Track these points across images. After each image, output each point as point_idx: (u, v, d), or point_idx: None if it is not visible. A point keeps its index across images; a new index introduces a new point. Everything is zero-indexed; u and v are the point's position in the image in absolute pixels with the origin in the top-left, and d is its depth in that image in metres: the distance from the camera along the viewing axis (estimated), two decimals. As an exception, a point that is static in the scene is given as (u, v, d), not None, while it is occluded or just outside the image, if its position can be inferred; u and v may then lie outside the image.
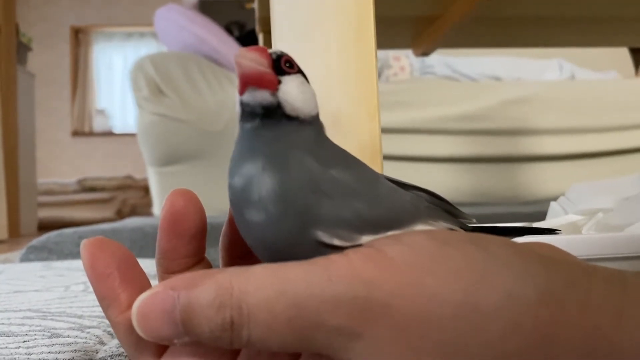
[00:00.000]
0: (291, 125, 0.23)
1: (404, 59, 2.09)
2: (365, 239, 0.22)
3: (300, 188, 0.21)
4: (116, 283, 0.22)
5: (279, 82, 0.23)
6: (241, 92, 0.23)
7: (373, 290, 0.19)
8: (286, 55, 0.23)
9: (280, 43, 0.35)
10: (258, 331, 0.19)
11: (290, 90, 0.23)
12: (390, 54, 2.09)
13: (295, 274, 0.20)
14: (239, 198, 0.22)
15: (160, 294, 0.20)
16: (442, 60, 2.08)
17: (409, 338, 0.19)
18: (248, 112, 0.23)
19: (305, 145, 0.23)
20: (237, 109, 0.23)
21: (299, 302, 0.19)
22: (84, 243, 0.23)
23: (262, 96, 0.22)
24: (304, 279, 0.19)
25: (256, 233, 0.22)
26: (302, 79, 0.24)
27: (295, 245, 0.21)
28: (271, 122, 0.22)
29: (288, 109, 0.23)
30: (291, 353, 0.22)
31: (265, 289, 0.19)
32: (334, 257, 0.20)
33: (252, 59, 0.22)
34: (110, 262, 0.22)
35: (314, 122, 0.24)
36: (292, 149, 0.22)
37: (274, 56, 0.23)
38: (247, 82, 0.22)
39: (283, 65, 0.23)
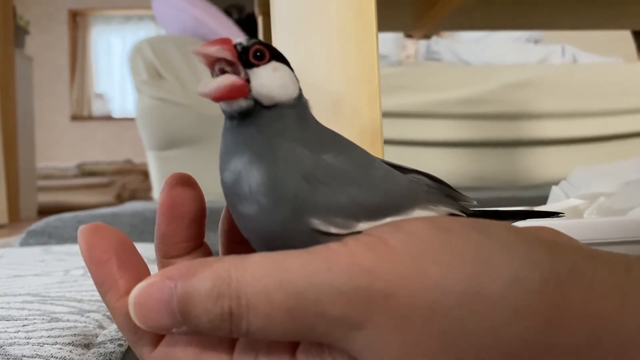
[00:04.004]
0: (272, 113, 0.22)
1: (410, 46, 2.07)
2: (363, 225, 0.22)
3: (290, 177, 0.21)
4: (114, 269, 0.22)
5: (249, 81, 0.22)
6: (216, 102, 0.22)
7: (374, 280, 0.19)
8: (256, 45, 0.22)
9: (280, 25, 0.35)
10: (257, 321, 0.19)
11: (263, 83, 0.22)
12: (391, 46, 2.07)
13: (295, 263, 0.19)
14: (231, 193, 0.22)
15: (157, 284, 0.20)
16: (446, 45, 2.06)
17: (411, 327, 0.19)
18: (229, 116, 0.23)
19: (289, 131, 0.22)
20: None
21: (299, 292, 0.19)
22: (80, 229, 0.22)
23: (237, 104, 0.22)
24: (304, 269, 0.19)
25: (251, 225, 0.22)
26: (275, 64, 0.23)
27: (291, 234, 0.21)
28: (253, 116, 0.22)
29: (265, 102, 0.22)
30: (290, 341, 0.22)
31: (264, 279, 0.19)
32: (334, 246, 0.20)
33: (215, 52, 0.21)
34: (107, 248, 0.22)
35: (296, 105, 0.23)
36: (276, 138, 0.22)
37: (239, 48, 0.22)
38: (218, 100, 0.22)
39: (252, 58, 0.22)
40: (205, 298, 0.19)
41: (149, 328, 0.20)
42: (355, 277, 0.19)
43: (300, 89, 0.24)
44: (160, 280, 0.20)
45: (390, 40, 1.90)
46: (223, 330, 0.20)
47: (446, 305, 0.19)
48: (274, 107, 0.22)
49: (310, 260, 0.19)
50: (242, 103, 0.22)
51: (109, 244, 0.22)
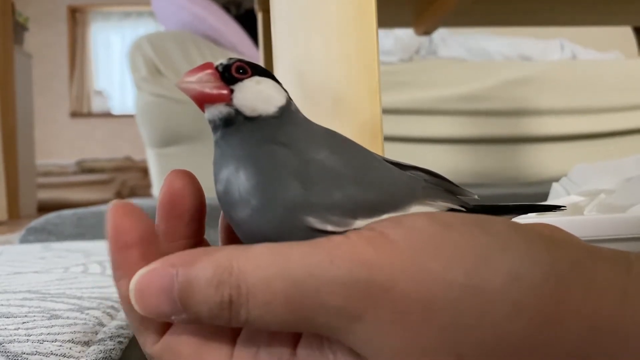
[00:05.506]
0: (255, 123, 0.23)
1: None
2: (360, 223, 0.22)
3: (276, 177, 0.22)
4: (134, 257, 0.22)
5: (232, 91, 0.23)
6: (203, 110, 0.23)
7: (374, 273, 0.19)
8: (237, 61, 0.24)
9: (280, 22, 0.34)
10: (257, 310, 0.19)
11: (245, 96, 0.23)
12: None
13: (296, 254, 0.19)
14: (224, 202, 0.23)
15: (158, 271, 0.20)
16: (449, 40, 2.05)
17: (410, 321, 0.19)
18: (213, 125, 0.24)
19: (273, 137, 0.23)
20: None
21: (299, 282, 0.19)
22: (113, 206, 0.22)
23: (218, 110, 0.23)
24: (305, 260, 0.19)
25: (247, 229, 0.22)
26: (258, 78, 0.24)
27: (288, 234, 0.22)
28: (235, 127, 0.23)
29: (248, 113, 0.23)
30: (292, 332, 0.22)
31: (265, 269, 0.19)
32: (336, 239, 0.20)
33: (196, 81, 0.23)
34: (133, 235, 0.22)
35: (282, 113, 0.24)
36: (261, 144, 0.23)
37: (220, 68, 0.23)
38: (199, 103, 0.23)
39: (234, 73, 0.23)
40: (205, 286, 0.19)
41: (149, 314, 0.20)
42: (356, 269, 0.19)
43: (287, 98, 0.24)
44: (162, 267, 0.20)
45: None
46: (223, 319, 0.20)
47: (446, 300, 0.19)
48: (257, 117, 0.23)
49: (312, 252, 0.19)
50: (222, 110, 0.23)
51: (135, 231, 0.22)
